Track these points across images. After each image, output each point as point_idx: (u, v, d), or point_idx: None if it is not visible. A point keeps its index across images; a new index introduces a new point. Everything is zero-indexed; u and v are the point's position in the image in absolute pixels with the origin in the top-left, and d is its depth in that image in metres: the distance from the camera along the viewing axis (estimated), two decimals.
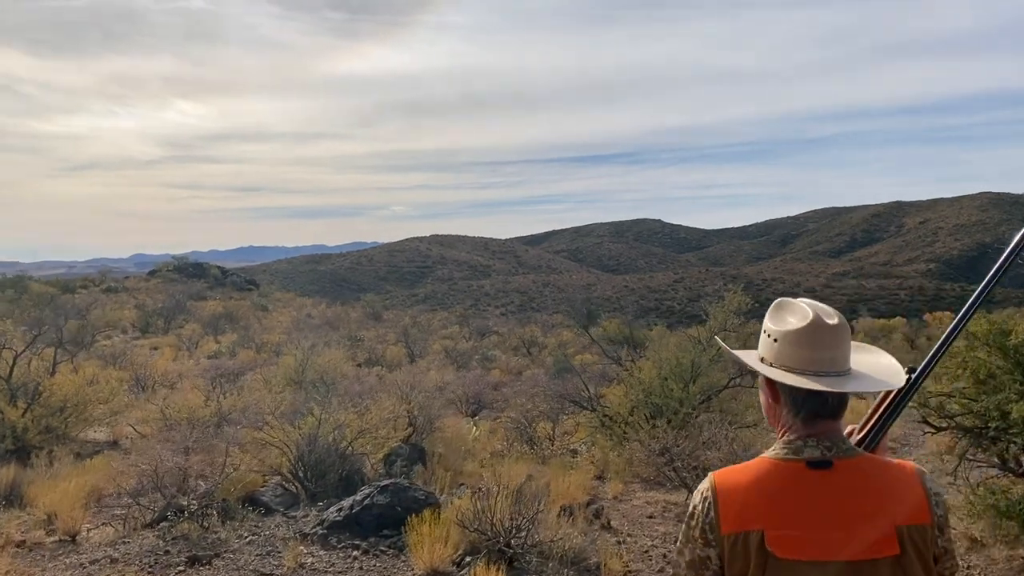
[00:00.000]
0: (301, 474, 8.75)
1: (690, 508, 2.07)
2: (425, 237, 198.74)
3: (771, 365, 2.09)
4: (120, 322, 41.30)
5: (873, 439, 2.16)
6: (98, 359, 26.25)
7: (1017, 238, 2.16)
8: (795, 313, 2.11)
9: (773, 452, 2.05)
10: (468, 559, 6.53)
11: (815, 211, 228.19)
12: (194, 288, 59.97)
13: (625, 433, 10.78)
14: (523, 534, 6.69)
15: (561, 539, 6.79)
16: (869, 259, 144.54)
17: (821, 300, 2.23)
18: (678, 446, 9.44)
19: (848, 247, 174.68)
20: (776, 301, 2.21)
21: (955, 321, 2.25)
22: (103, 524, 8.17)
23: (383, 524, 7.13)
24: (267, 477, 9.20)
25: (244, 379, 22.83)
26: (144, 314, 43.24)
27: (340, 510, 7.45)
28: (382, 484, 7.55)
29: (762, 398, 2.20)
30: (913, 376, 2.15)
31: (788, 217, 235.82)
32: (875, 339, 43.07)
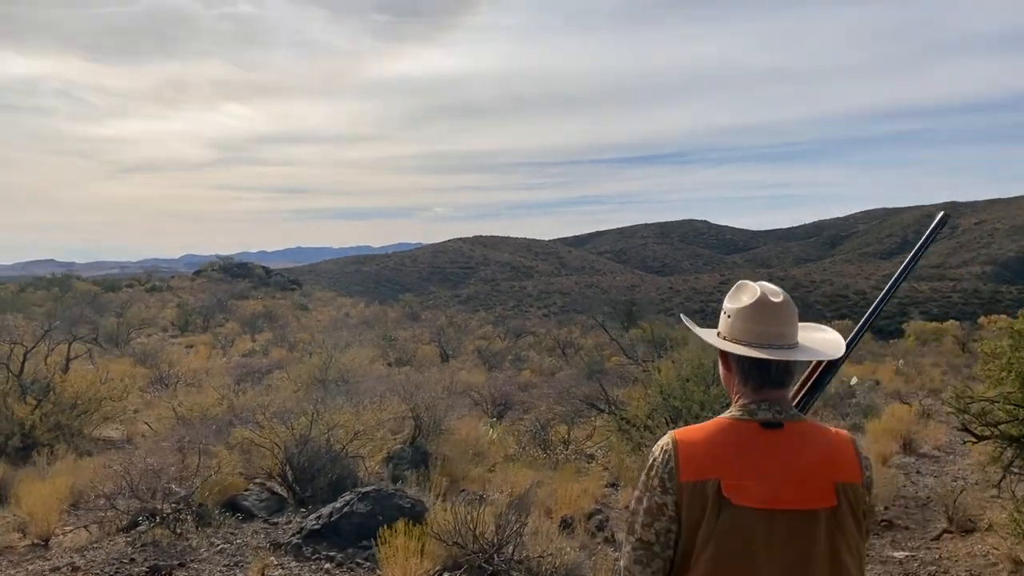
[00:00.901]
0: (289, 477, 8.23)
1: (650, 460, 2.27)
2: (468, 238, 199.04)
3: (725, 339, 2.35)
4: (157, 320, 41.57)
5: (805, 404, 2.46)
6: (130, 356, 26.22)
7: (933, 224, 2.74)
8: (747, 292, 2.36)
9: (729, 413, 2.29)
10: (446, 575, 5.96)
11: (865, 212, 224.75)
12: (237, 287, 60.61)
13: (643, 438, 10.13)
14: (510, 548, 6.10)
15: (552, 554, 6.17)
16: (921, 261, 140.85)
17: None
18: None
19: (899, 248, 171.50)
20: (737, 283, 2.44)
21: (878, 300, 2.65)
22: (80, 527, 7.73)
23: (363, 534, 6.57)
24: (256, 480, 8.71)
25: (270, 377, 22.68)
26: (183, 312, 43.45)
27: (319, 518, 6.91)
28: (363, 491, 7.00)
29: (720, 369, 2.44)
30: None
31: (837, 218, 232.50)
32: (926, 343, 42.07)
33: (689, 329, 2.62)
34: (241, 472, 8.62)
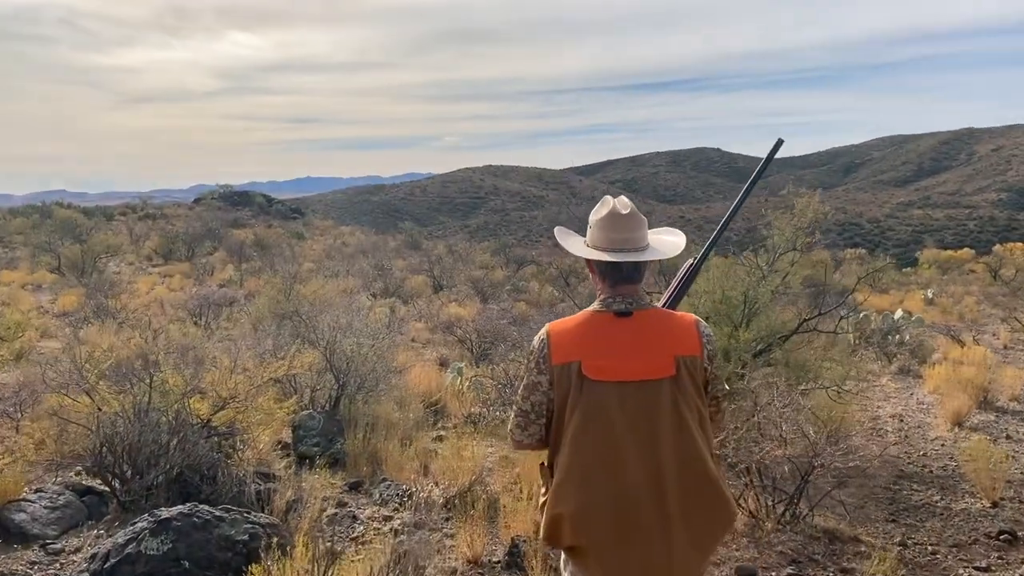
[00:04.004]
0: (111, 467, 5.47)
1: (530, 349, 2.77)
2: (478, 168, 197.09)
3: (588, 246, 2.84)
4: (129, 248, 39.02)
5: (672, 303, 3.02)
6: (85, 287, 23.67)
7: (771, 148, 3.38)
8: (604, 206, 2.86)
9: (592, 307, 2.78)
10: None
11: (880, 139, 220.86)
12: (233, 216, 58.16)
13: None
14: None
15: None
16: (936, 188, 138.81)
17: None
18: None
19: (914, 176, 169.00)
20: (601, 199, 2.92)
21: (728, 213, 3.26)
22: None
23: None
24: (76, 471, 5.97)
25: (230, 311, 20.22)
26: (166, 240, 41.02)
27: (93, 559, 4.16)
28: (161, 516, 4.21)
29: (588, 272, 2.92)
30: (695, 262, 3.11)
31: (851, 145, 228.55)
32: (947, 271, 39.66)
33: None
34: (49, 459, 5.89)
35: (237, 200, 71.09)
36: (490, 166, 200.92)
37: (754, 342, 7.13)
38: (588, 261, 2.83)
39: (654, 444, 2.56)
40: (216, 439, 5.94)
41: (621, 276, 2.73)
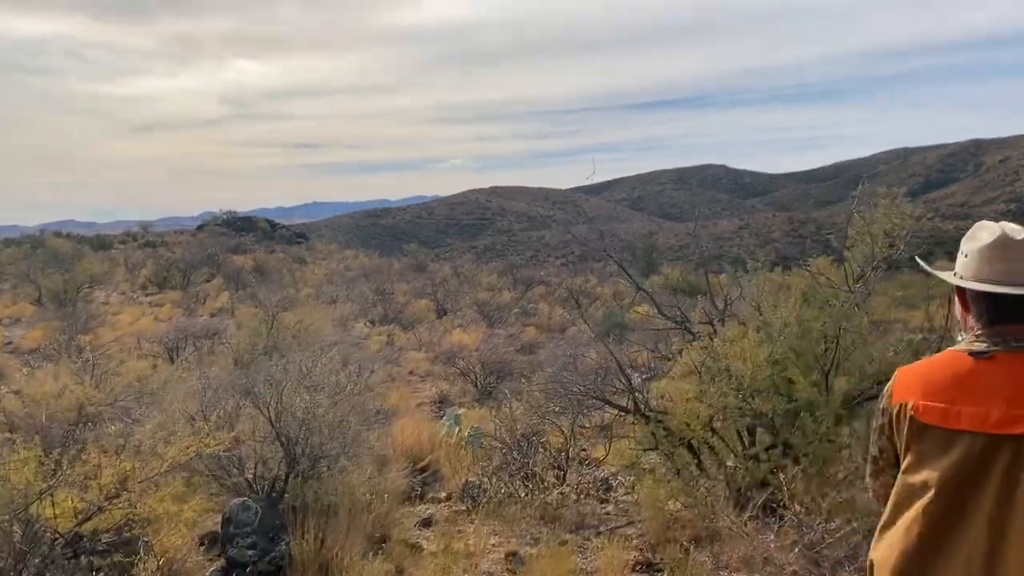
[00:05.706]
0: None
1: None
2: (484, 189, 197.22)
3: (961, 278, 2.37)
4: (107, 276, 37.45)
5: None
6: (58, 320, 22.05)
7: None
8: (987, 230, 2.36)
9: (956, 346, 2.27)
10: None
11: (886, 152, 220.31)
12: (236, 242, 56.97)
13: (700, 465, 5.48)
14: None
15: None
16: (944, 200, 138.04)
17: None
18: (815, 515, 4.10)
19: (922, 189, 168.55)
20: (976, 224, 2.44)
21: None
22: None
23: None
24: None
25: (212, 342, 18.55)
26: (160, 268, 39.77)
27: None
28: None
29: (956, 309, 2.42)
30: None
31: (858, 159, 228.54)
32: None
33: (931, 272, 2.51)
34: None
35: (241, 226, 70.08)
36: (496, 187, 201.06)
37: (857, 394, 5.20)
38: (962, 297, 2.35)
39: (981, 519, 2.02)
40: (95, 556, 4.07)
41: (1001, 315, 2.23)
